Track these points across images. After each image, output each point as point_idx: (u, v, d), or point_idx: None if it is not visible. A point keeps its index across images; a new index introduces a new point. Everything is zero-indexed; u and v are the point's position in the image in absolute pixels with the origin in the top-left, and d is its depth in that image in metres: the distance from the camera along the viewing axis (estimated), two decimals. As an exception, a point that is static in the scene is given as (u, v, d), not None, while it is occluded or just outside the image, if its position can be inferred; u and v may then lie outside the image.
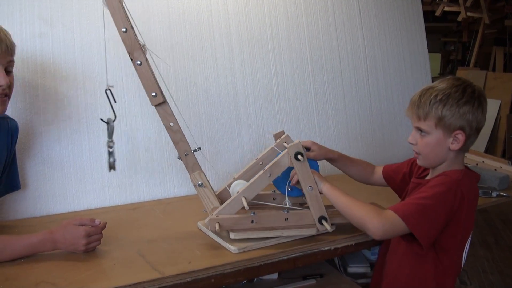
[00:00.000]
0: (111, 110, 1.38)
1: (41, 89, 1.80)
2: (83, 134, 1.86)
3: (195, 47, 2.10)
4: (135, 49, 1.37)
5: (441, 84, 1.37)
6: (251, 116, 2.20)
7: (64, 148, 1.84)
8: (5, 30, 1.42)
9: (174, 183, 2.01)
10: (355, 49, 2.56)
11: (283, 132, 1.64)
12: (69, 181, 1.85)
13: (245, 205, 1.36)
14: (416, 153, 1.42)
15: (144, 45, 1.38)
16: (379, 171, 1.68)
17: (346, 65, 2.52)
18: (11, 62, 1.44)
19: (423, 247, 1.32)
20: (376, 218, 1.31)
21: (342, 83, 2.49)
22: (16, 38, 1.45)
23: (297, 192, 1.56)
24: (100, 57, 1.90)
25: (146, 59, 1.40)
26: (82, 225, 1.38)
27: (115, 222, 1.58)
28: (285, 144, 1.50)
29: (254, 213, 1.41)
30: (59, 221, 1.61)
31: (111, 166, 1.41)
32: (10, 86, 1.43)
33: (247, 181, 1.50)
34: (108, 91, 1.38)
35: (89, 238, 1.37)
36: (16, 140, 1.66)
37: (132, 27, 1.36)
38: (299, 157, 1.41)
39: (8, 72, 1.42)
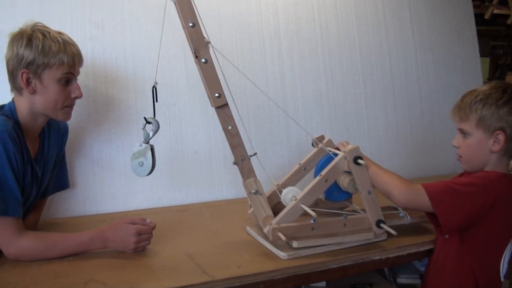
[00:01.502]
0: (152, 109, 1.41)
1: (92, 91, 1.83)
2: (133, 136, 1.88)
3: (244, 50, 2.09)
4: (201, 46, 1.33)
5: (484, 87, 1.39)
6: (300, 120, 2.17)
7: (114, 149, 1.87)
8: (73, 40, 1.47)
9: (222, 186, 2.00)
10: (406, 52, 2.50)
11: (323, 136, 1.61)
12: (119, 181, 1.87)
13: (311, 212, 1.34)
14: (459, 156, 1.43)
15: (209, 42, 1.35)
16: None
17: (397, 68, 2.46)
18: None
19: (442, 229, 1.33)
20: (403, 185, 1.35)
21: (393, 87, 2.44)
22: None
23: (341, 196, 1.54)
24: (150, 60, 1.91)
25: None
26: (133, 224, 1.39)
27: (164, 223, 1.58)
28: (342, 148, 1.47)
29: (314, 220, 1.37)
30: (108, 220, 1.63)
31: (152, 170, 1.42)
32: None
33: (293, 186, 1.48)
34: (154, 89, 1.38)
35: (140, 236, 1.37)
36: (66, 141, 1.69)
37: (199, 23, 1.33)
38: (360, 161, 1.38)
39: None
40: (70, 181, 1.76)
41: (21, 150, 1.37)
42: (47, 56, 1.37)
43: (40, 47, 1.36)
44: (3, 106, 1.46)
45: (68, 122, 1.66)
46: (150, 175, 1.45)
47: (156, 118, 1.37)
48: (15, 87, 1.42)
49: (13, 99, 1.46)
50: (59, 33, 1.44)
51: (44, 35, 1.38)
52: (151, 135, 1.41)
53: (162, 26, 1.43)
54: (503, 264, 1.40)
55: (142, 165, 1.41)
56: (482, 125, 1.34)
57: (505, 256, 1.40)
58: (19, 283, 1.20)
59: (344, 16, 2.32)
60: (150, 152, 1.40)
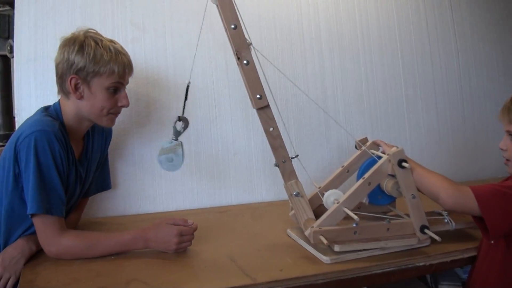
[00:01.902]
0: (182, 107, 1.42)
1: (133, 93, 1.85)
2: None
3: (285, 52, 2.09)
4: (243, 48, 1.32)
5: None
6: (340, 121, 2.15)
7: (155, 149, 1.87)
8: (125, 50, 1.48)
9: (262, 188, 2.00)
10: (447, 53, 2.45)
11: (366, 139, 1.59)
12: (159, 182, 1.88)
13: (354, 216, 1.31)
14: (506, 159, 1.38)
15: (251, 44, 1.34)
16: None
17: (438, 70, 2.41)
18: None
19: (489, 235, 1.28)
20: (451, 188, 1.31)
21: (434, 89, 2.39)
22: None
23: (385, 200, 1.51)
24: (191, 61, 1.91)
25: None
26: (175, 225, 1.39)
27: (204, 224, 1.57)
28: (387, 150, 1.44)
29: (356, 224, 1.35)
30: (148, 221, 1.64)
31: (180, 166, 1.42)
32: None
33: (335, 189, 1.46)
34: (187, 88, 1.39)
35: (182, 237, 1.37)
36: (110, 142, 1.71)
37: (240, 25, 1.32)
38: (404, 164, 1.35)
39: None
40: (112, 182, 1.78)
41: (66, 150, 1.39)
42: (98, 64, 1.38)
43: (91, 54, 1.38)
44: (48, 107, 1.48)
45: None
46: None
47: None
48: (63, 90, 1.44)
49: (59, 100, 1.48)
50: (112, 41, 1.45)
51: (96, 43, 1.40)
52: (181, 132, 1.41)
53: (200, 28, 1.43)
54: None
55: (172, 161, 1.42)
56: None
57: None
58: (61, 281, 1.21)
59: (385, 17, 2.29)
60: (181, 149, 1.40)
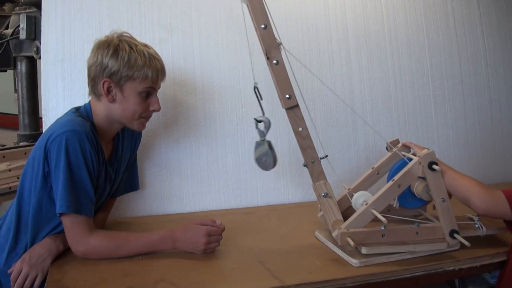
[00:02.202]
0: (259, 108, 1.39)
1: (160, 94, 1.82)
2: (201, 138, 1.90)
3: (312, 51, 2.07)
4: (273, 48, 1.33)
5: None
6: (368, 122, 2.13)
7: (182, 150, 1.89)
8: (159, 55, 1.48)
9: (289, 189, 1.99)
10: (475, 53, 2.40)
11: (398, 141, 1.57)
12: (186, 182, 1.89)
13: (382, 218, 1.29)
14: None
15: (281, 43, 1.34)
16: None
17: (467, 70, 2.37)
18: None
19: None
20: (483, 192, 1.30)
21: (463, 89, 2.34)
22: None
23: (416, 203, 1.49)
24: (218, 63, 1.93)
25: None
26: (203, 225, 1.39)
27: (231, 225, 1.57)
28: (417, 152, 1.42)
29: (385, 226, 1.33)
30: (175, 221, 1.65)
31: (275, 163, 1.39)
32: None
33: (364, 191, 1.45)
34: (256, 89, 1.37)
35: (210, 238, 1.37)
36: (139, 144, 1.72)
37: (270, 25, 1.32)
38: (435, 166, 1.33)
39: None
40: (139, 182, 1.79)
41: (96, 151, 1.40)
42: (131, 69, 1.38)
43: (126, 59, 1.38)
44: (79, 107, 1.50)
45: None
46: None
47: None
48: (94, 92, 1.45)
49: (90, 101, 1.49)
50: (146, 46, 1.45)
51: (131, 47, 1.40)
52: (265, 132, 1.40)
53: (244, 22, 1.41)
54: None
55: (265, 161, 1.41)
56: None
57: None
58: (88, 281, 1.22)
59: (413, 17, 2.26)
60: (268, 148, 1.39)
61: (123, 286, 1.20)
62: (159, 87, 1.51)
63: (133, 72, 1.39)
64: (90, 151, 1.35)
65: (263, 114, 1.38)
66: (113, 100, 1.42)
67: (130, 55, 1.38)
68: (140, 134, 1.70)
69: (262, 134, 1.38)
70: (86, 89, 1.50)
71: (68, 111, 1.48)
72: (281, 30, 1.38)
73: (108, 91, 1.41)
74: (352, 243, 1.29)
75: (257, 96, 1.37)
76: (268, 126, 1.37)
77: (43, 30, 1.81)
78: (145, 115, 1.48)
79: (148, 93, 1.45)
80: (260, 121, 1.38)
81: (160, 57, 1.48)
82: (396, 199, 1.49)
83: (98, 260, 1.34)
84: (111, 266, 1.31)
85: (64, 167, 1.31)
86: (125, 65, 1.38)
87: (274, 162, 1.38)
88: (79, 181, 1.34)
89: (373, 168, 1.54)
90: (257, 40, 1.35)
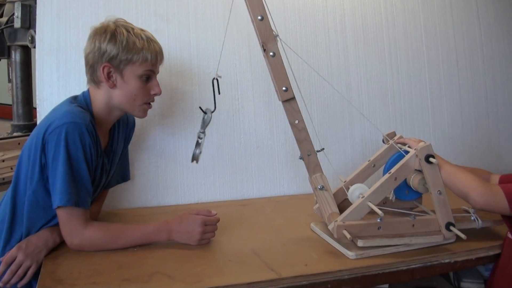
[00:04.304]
0: (213, 101, 1.39)
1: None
2: (197, 129, 1.85)
3: (309, 44, 2.06)
4: (269, 40, 1.32)
5: None
6: (365, 115, 2.13)
7: (177, 141, 1.88)
8: (155, 38, 1.48)
9: (284, 181, 1.99)
10: (472, 47, 2.40)
11: (394, 133, 1.57)
12: (181, 174, 1.88)
13: (378, 211, 1.29)
14: None
15: (277, 35, 1.33)
16: (495, 180, 1.54)
17: (463, 64, 2.37)
18: None
19: None
20: (481, 187, 1.30)
21: (459, 83, 2.35)
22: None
23: (412, 195, 1.49)
24: (215, 53, 1.91)
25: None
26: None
27: (226, 217, 1.57)
28: (413, 144, 1.42)
29: (381, 219, 1.33)
30: (170, 213, 1.65)
31: (194, 158, 1.41)
32: None
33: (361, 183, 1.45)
34: (215, 81, 1.37)
35: (206, 227, 1.37)
36: (133, 134, 1.71)
37: (267, 16, 1.31)
38: (431, 159, 1.32)
39: None
40: (133, 173, 1.79)
41: (95, 142, 1.39)
42: (131, 52, 1.39)
43: (124, 42, 1.38)
44: (76, 96, 1.48)
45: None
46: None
47: (219, 111, 1.34)
48: (93, 79, 1.44)
49: (88, 90, 1.48)
50: (142, 30, 1.45)
51: (128, 31, 1.40)
52: (203, 125, 1.41)
53: (228, 19, 1.42)
54: None
55: (193, 154, 1.42)
56: None
57: None
58: (83, 273, 1.21)
59: (410, 10, 2.26)
60: (197, 141, 1.41)
61: (117, 278, 1.18)
62: (158, 71, 1.51)
63: (132, 55, 1.39)
64: (89, 144, 1.34)
65: (215, 108, 1.38)
66: (113, 86, 1.42)
67: (128, 39, 1.38)
68: (133, 125, 1.70)
69: (202, 126, 1.39)
70: (81, 78, 1.50)
71: (66, 100, 1.46)
72: (278, 22, 1.38)
73: (109, 76, 1.41)
74: (348, 235, 1.28)
75: (213, 89, 1.36)
76: (208, 122, 1.38)
77: (38, 19, 1.79)
78: (147, 100, 1.48)
79: (148, 77, 1.45)
80: (204, 113, 1.38)
81: (157, 40, 1.48)
82: (393, 191, 1.49)
83: (92, 252, 1.33)
84: (106, 258, 1.30)
85: (64, 159, 1.29)
86: (124, 49, 1.38)
87: (192, 158, 1.40)
88: (78, 174, 1.32)
89: (369, 160, 1.54)
90: (254, 32, 1.34)
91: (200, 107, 1.41)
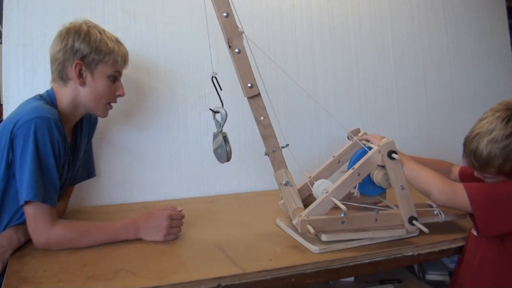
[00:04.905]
0: (218, 98, 1.39)
1: (123, 80, 1.82)
2: (163, 126, 1.88)
3: (276, 42, 2.08)
4: (235, 36, 1.32)
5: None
6: (331, 112, 2.15)
7: (143, 138, 1.87)
8: (121, 40, 1.54)
9: (251, 178, 2.00)
10: (438, 45, 2.45)
11: (359, 130, 1.59)
12: (147, 171, 1.87)
13: (341, 206, 1.30)
14: None
15: (243, 32, 1.33)
16: (456, 170, 1.58)
17: (429, 62, 2.41)
18: None
19: (479, 233, 1.29)
20: (443, 184, 1.31)
21: (425, 81, 2.39)
22: (99, 31, 1.49)
23: (376, 190, 1.52)
24: (181, 50, 1.91)
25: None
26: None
27: (193, 213, 1.57)
28: (376, 141, 1.44)
29: (344, 213, 1.35)
30: (136, 210, 1.64)
31: (228, 156, 1.40)
32: None
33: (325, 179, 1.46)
34: (214, 79, 1.37)
35: (172, 221, 1.38)
36: (95, 130, 1.71)
37: (232, 13, 1.31)
38: (394, 155, 1.35)
39: None
40: (98, 170, 1.78)
41: (63, 139, 1.37)
42: (103, 52, 1.44)
43: (97, 43, 1.44)
44: (41, 95, 1.47)
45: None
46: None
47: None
48: (61, 77, 1.45)
49: (52, 88, 1.48)
50: (111, 33, 1.51)
51: (100, 33, 1.46)
52: (221, 123, 1.40)
53: (205, 13, 1.41)
54: None
55: (220, 153, 1.41)
56: None
57: None
58: (48, 271, 1.19)
59: (377, 8, 2.29)
60: (223, 141, 1.39)
61: (82, 276, 1.17)
62: (122, 75, 1.55)
63: (104, 56, 1.45)
64: (58, 140, 1.32)
65: (222, 105, 1.39)
66: (83, 83, 1.45)
67: (101, 39, 1.45)
68: (96, 120, 1.70)
69: (219, 125, 1.38)
70: (48, 75, 1.47)
71: (33, 98, 1.45)
72: (245, 20, 1.38)
73: (80, 73, 1.43)
74: (312, 230, 1.29)
75: (215, 87, 1.36)
76: (225, 117, 1.38)
77: (5, 14, 1.76)
78: (111, 100, 1.53)
79: (115, 78, 1.51)
80: (217, 112, 1.38)
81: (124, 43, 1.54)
82: (357, 187, 1.50)
83: (58, 250, 1.31)
84: (71, 255, 1.28)
85: (32, 154, 1.27)
86: (97, 49, 1.43)
87: (228, 156, 1.40)
88: (46, 170, 1.31)
89: (334, 156, 1.56)
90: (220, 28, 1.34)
91: (210, 109, 1.40)
